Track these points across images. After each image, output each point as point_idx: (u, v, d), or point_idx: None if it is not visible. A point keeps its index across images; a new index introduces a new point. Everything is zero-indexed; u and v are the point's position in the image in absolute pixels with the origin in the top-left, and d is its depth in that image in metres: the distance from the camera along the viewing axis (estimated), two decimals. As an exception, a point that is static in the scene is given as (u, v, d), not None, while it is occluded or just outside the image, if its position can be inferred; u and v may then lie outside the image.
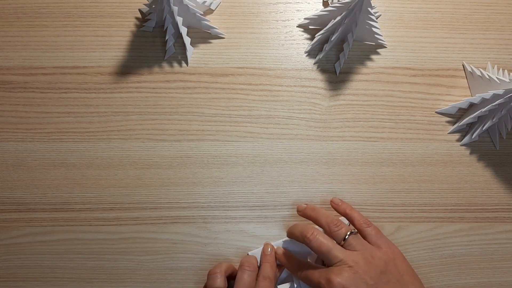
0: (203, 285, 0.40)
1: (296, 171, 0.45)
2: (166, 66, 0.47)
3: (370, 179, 0.45)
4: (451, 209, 0.45)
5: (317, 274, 0.38)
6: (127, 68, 0.47)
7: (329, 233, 0.39)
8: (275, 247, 0.43)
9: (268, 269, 0.40)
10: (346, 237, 0.38)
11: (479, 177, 0.46)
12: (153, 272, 0.43)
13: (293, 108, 0.46)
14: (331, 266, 0.37)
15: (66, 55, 0.47)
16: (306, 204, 0.43)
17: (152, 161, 0.45)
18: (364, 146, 0.46)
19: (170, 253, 0.44)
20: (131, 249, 0.44)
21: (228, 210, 0.44)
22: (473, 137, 0.45)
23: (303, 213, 0.42)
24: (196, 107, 0.46)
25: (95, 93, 0.46)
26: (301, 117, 0.46)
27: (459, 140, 0.47)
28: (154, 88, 0.46)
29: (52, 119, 0.46)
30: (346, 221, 0.42)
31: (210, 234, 0.44)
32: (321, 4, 0.49)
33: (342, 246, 0.38)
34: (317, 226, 0.41)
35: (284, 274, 0.43)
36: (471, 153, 0.46)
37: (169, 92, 0.46)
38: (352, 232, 0.38)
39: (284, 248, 0.43)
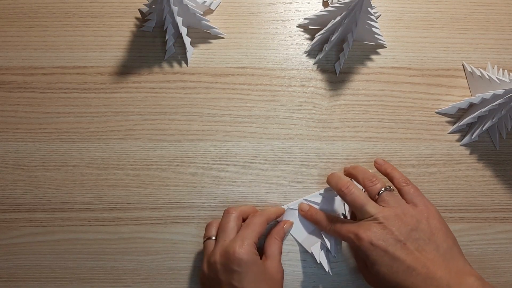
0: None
1: (296, 171, 0.45)
2: (166, 66, 0.47)
3: (370, 179, 0.45)
4: (451, 209, 0.45)
5: (346, 228, 0.38)
6: (127, 68, 0.47)
7: (364, 188, 0.40)
8: (304, 202, 0.44)
9: (268, 210, 0.42)
10: (380, 193, 0.38)
11: (479, 177, 0.46)
12: (153, 272, 0.43)
13: (293, 108, 0.46)
14: (362, 220, 0.38)
15: (66, 55, 0.47)
16: (350, 165, 0.44)
17: (152, 161, 0.45)
18: (364, 146, 0.46)
19: (170, 253, 0.44)
20: (131, 249, 0.44)
21: (228, 210, 0.44)
22: (473, 137, 0.45)
23: (347, 172, 0.43)
24: (196, 107, 0.46)
25: (95, 93, 0.46)
26: (301, 117, 0.46)
27: (459, 140, 0.47)
28: (154, 88, 0.46)
29: (52, 119, 0.46)
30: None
31: (210, 234, 0.44)
32: (321, 4, 0.49)
33: (375, 201, 0.39)
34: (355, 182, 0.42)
35: (310, 229, 0.44)
36: (471, 153, 0.46)
37: (169, 92, 0.46)
38: (387, 188, 0.39)
39: (309, 204, 0.44)
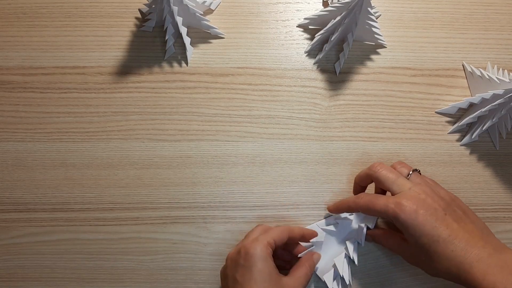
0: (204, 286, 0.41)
1: (296, 171, 0.45)
2: (166, 66, 0.47)
3: (370, 179, 0.45)
4: (451, 209, 0.45)
5: (383, 200, 0.37)
6: (127, 68, 0.47)
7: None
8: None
9: (293, 226, 0.41)
10: (410, 173, 0.39)
11: (479, 177, 0.46)
12: (153, 272, 0.43)
13: (293, 108, 0.46)
14: (400, 193, 0.37)
15: (66, 55, 0.47)
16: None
17: (152, 161, 0.45)
18: (364, 146, 0.46)
19: (170, 253, 0.44)
20: (131, 249, 0.44)
21: (228, 210, 0.44)
22: (473, 137, 0.45)
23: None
24: (196, 107, 0.46)
25: (95, 93, 0.46)
26: (301, 117, 0.46)
27: (459, 140, 0.47)
28: (154, 88, 0.46)
29: (52, 119, 0.46)
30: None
31: (210, 234, 0.44)
32: (321, 4, 0.49)
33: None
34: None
35: (325, 256, 0.42)
36: (471, 153, 0.46)
37: (169, 92, 0.46)
38: (416, 169, 0.40)
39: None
